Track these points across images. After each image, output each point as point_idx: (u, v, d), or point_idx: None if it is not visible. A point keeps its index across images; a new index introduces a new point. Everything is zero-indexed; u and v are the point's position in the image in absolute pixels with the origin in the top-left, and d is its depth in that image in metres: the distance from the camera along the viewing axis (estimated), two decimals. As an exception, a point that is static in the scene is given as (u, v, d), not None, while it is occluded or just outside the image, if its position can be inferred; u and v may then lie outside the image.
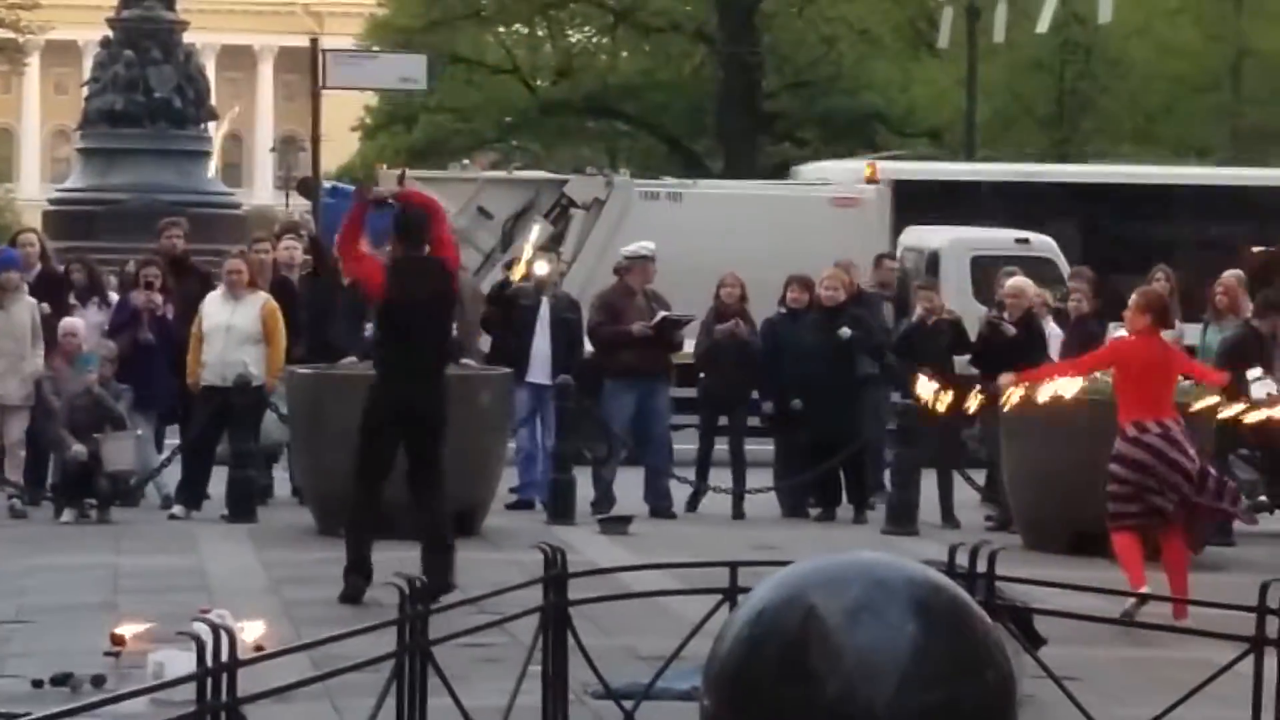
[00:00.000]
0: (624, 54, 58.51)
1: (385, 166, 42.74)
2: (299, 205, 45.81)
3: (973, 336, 20.95)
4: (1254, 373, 19.45)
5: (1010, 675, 6.33)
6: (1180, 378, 16.40)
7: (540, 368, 20.40)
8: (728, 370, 21.17)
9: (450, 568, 14.71)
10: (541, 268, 21.75)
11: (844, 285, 21.83)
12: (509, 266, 22.38)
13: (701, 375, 21.85)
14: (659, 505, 20.69)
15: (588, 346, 21.12)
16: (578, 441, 20.86)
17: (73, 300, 21.83)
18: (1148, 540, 15.09)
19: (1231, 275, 21.68)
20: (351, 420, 17.98)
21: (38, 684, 11.43)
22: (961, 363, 20.80)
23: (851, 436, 20.96)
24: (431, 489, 15.49)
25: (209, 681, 6.77)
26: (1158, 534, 15.17)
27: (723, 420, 21.62)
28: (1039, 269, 25.91)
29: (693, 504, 21.28)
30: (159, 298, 21.27)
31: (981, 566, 8.30)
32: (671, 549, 14.65)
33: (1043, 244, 33.12)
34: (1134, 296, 16.61)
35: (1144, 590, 13.60)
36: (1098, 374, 16.93)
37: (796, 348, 20.96)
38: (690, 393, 22.59)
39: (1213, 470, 15.66)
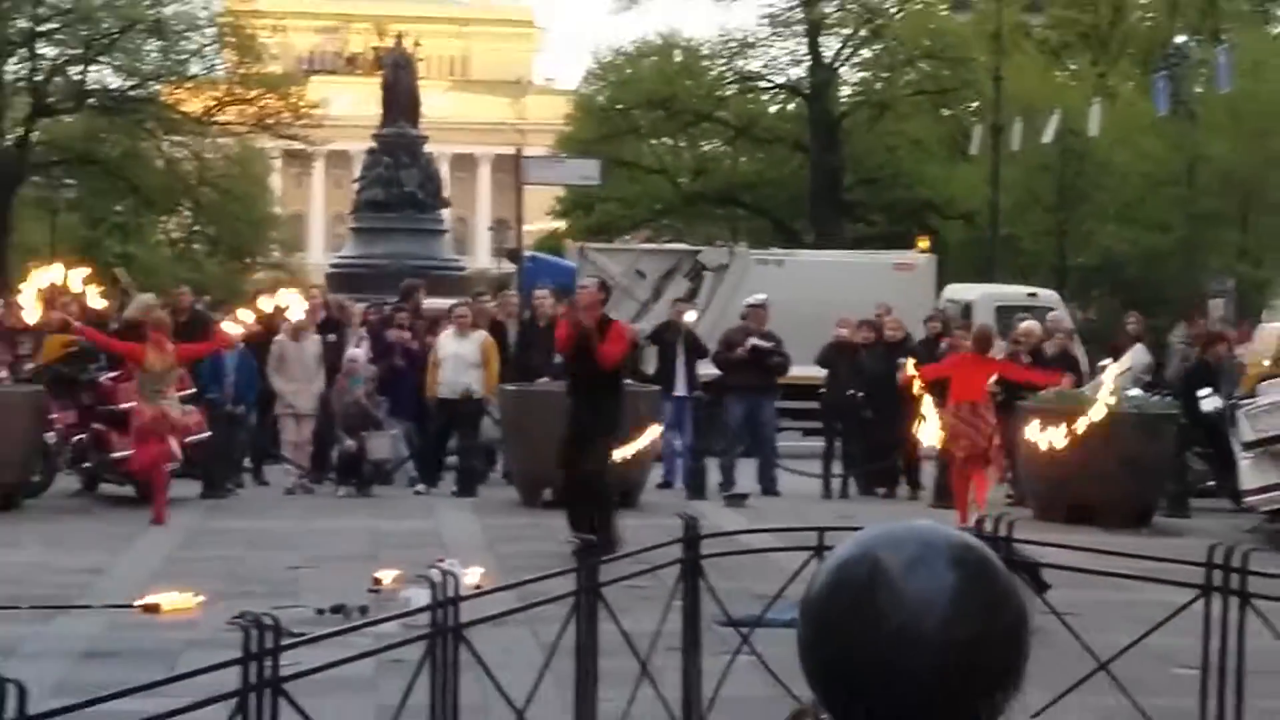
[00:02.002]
0: (742, 159, 58.32)
1: (570, 241, 42.74)
2: (507, 268, 45.69)
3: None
4: (1204, 391, 19.28)
5: (1025, 612, 6.27)
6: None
7: (681, 385, 20.39)
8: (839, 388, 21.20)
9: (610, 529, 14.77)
10: (689, 315, 21.88)
11: (901, 328, 21.83)
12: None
13: (823, 391, 21.80)
14: (767, 486, 20.61)
15: (713, 369, 21.09)
16: (707, 439, 20.85)
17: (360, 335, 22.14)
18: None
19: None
20: (546, 424, 18.12)
21: (320, 612, 11.63)
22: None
23: (907, 436, 20.85)
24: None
25: (440, 611, 6.79)
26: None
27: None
28: (1043, 314, 25.77)
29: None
30: (407, 334, 21.44)
31: (1002, 531, 8.23)
32: (776, 518, 14.60)
33: (1048, 296, 32.92)
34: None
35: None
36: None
37: (870, 372, 20.94)
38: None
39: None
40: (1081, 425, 16.65)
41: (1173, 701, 8.03)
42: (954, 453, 17.64)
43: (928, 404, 17.08)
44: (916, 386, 17.79)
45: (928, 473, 20.42)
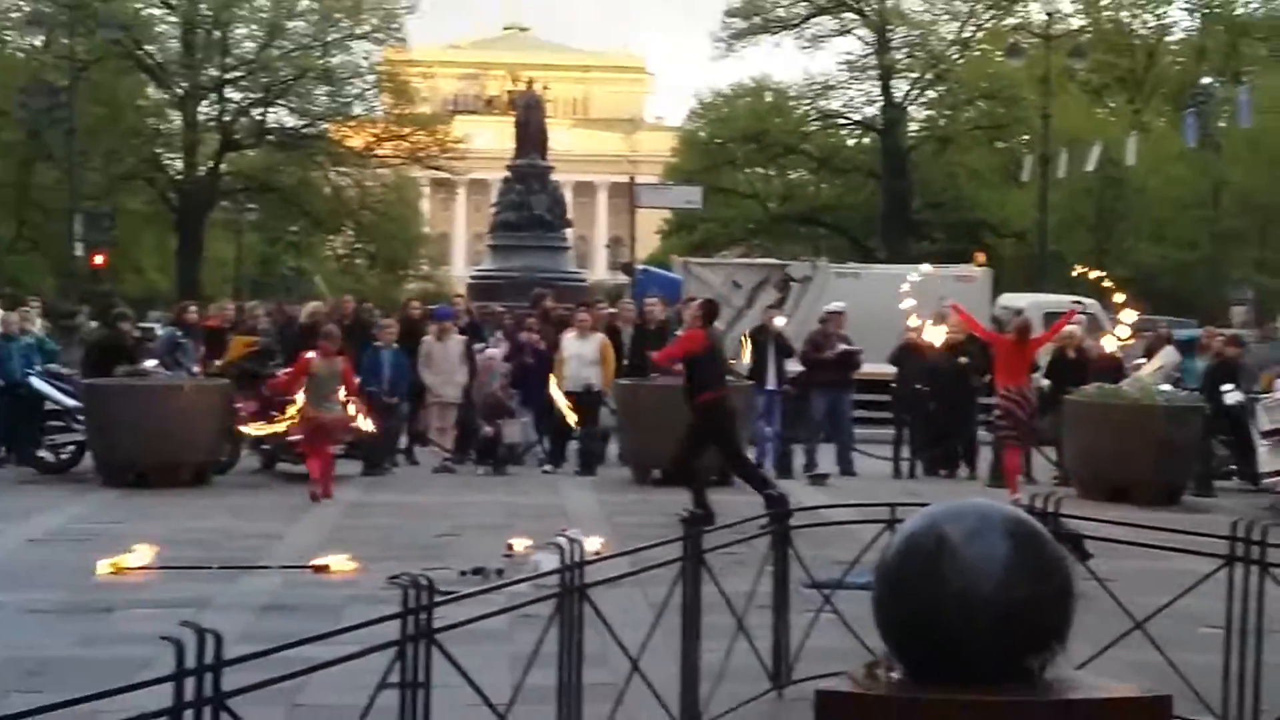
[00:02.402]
0: (823, 186, 58.15)
1: (675, 256, 42.70)
2: (622, 279, 45.75)
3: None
4: (1226, 386, 19.11)
5: (1071, 578, 6.25)
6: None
7: (771, 380, 20.31)
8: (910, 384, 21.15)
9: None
10: (778, 320, 21.83)
11: (962, 331, 21.69)
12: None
13: (893, 385, 21.79)
14: (845, 468, 20.52)
15: (799, 367, 20.98)
16: (793, 427, 20.79)
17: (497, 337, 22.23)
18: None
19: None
20: (655, 413, 18.18)
21: (463, 573, 11.65)
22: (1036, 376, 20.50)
23: (965, 424, 20.80)
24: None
25: (568, 574, 6.82)
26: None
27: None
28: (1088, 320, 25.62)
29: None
30: (536, 336, 21.49)
31: (1050, 508, 8.18)
32: (854, 495, 14.53)
33: (1091, 304, 32.66)
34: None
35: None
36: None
37: (935, 369, 20.86)
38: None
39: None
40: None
41: (1200, 657, 7.95)
42: (1002, 433, 17.72)
43: None
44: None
45: (984, 457, 20.27)
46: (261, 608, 10.86)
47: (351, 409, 17.69)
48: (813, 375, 20.64)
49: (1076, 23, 53.90)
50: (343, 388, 17.15)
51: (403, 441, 21.25)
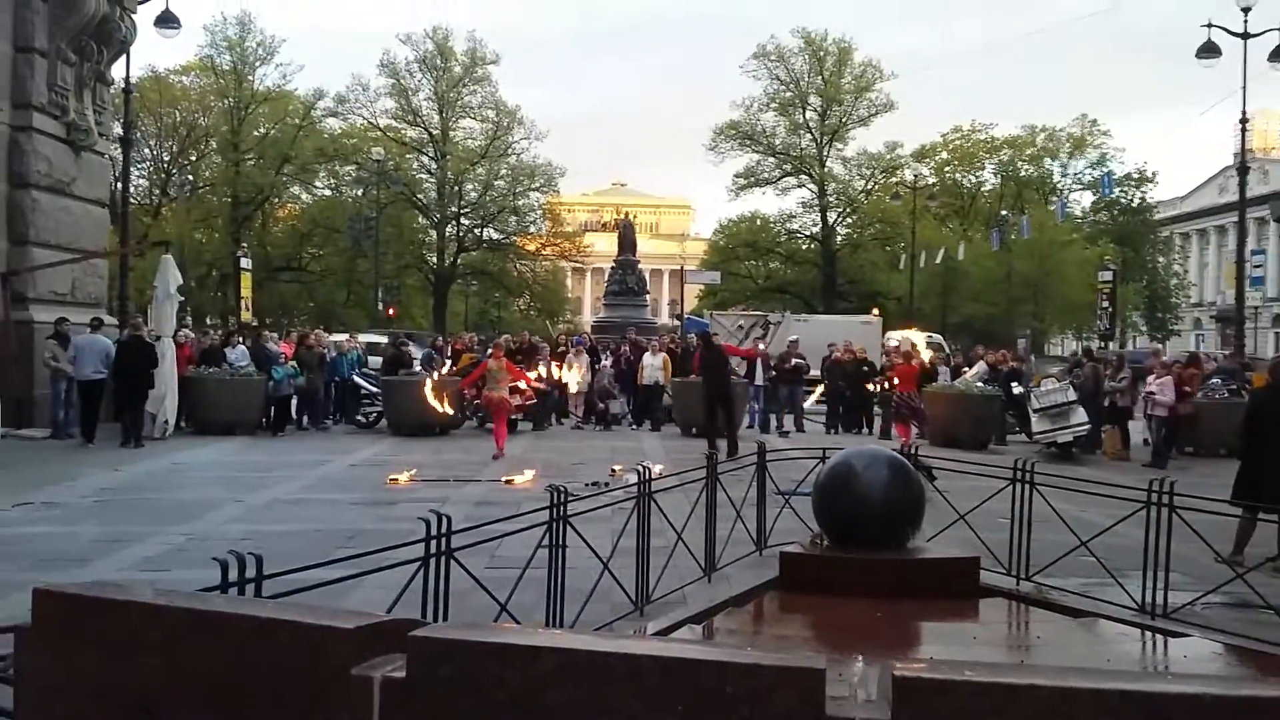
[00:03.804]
0: (788, 271, 57.47)
1: (706, 310, 42.54)
2: (675, 323, 45.62)
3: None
4: (1014, 384, 18.91)
5: (923, 490, 6.17)
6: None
7: (759, 378, 20.05)
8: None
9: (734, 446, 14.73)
10: (762, 346, 21.64)
11: (865, 352, 21.32)
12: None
13: (824, 383, 21.49)
14: (799, 428, 20.16)
15: (773, 371, 20.73)
16: (770, 405, 20.49)
17: (607, 354, 22.12)
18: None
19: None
20: (694, 398, 18.05)
21: (586, 485, 11.51)
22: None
23: (867, 405, 20.46)
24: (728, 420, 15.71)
25: (643, 485, 6.81)
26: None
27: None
28: (936, 347, 25.23)
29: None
30: (627, 353, 21.44)
31: (912, 452, 8.10)
32: (803, 443, 14.45)
33: (937, 337, 32.28)
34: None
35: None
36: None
37: (850, 373, 20.57)
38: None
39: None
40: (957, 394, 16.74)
41: (997, 536, 7.86)
42: (896, 411, 17.55)
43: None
44: (884, 386, 18.33)
45: (877, 424, 20.09)
46: (476, 503, 10.91)
47: (514, 392, 17.77)
48: (780, 376, 20.51)
49: (931, 180, 53.46)
50: (509, 379, 16.73)
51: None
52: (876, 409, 19.70)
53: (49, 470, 12.88)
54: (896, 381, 18.23)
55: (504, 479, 12.52)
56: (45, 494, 11.14)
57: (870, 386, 20.21)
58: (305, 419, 19.27)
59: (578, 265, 63.84)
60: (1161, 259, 58.65)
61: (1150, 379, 17.19)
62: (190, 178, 50.11)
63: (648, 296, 44.43)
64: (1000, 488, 7.90)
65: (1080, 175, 54.80)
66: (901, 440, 16.62)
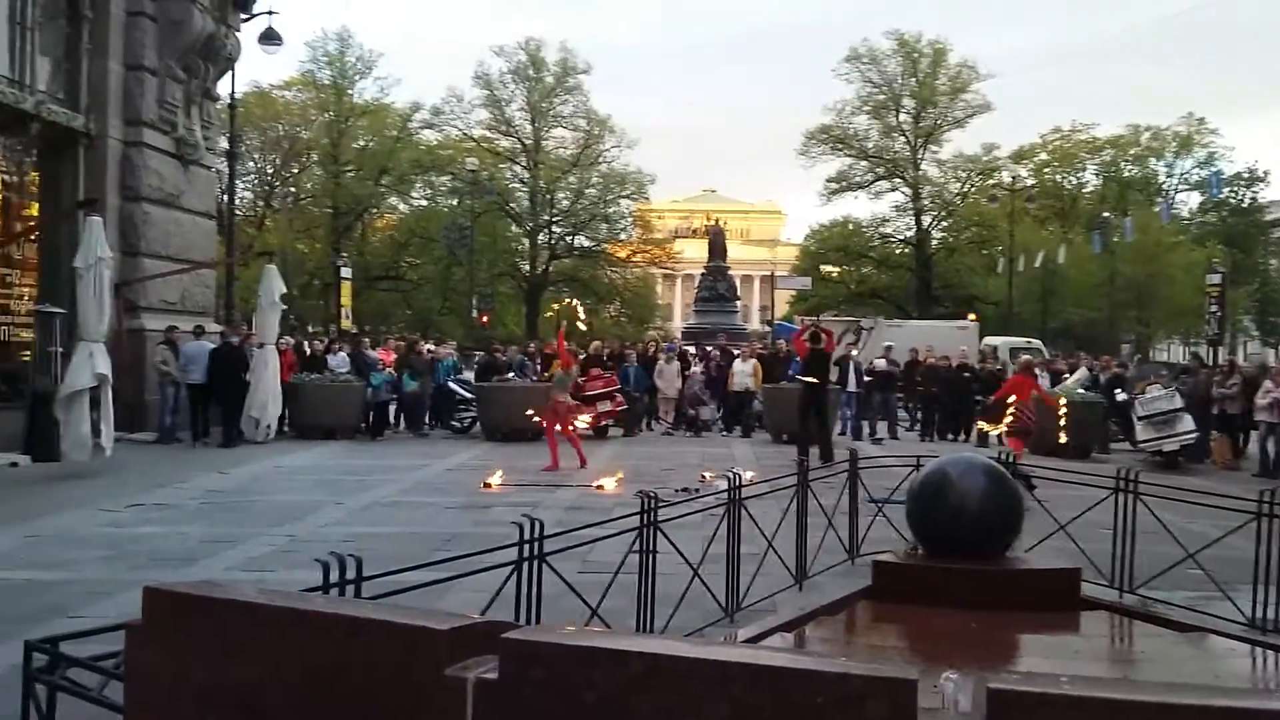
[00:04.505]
0: (881, 275, 56.59)
1: (796, 315, 42.21)
2: (766, 330, 45.36)
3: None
4: (1118, 390, 18.32)
5: (1021, 499, 6.02)
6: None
7: (851, 384, 19.78)
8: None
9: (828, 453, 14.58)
10: (854, 351, 21.39)
11: (965, 357, 20.91)
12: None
13: (919, 389, 21.08)
14: (892, 435, 19.96)
15: (867, 377, 20.47)
16: (863, 411, 20.26)
17: (696, 360, 22.14)
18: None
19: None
20: (784, 403, 17.93)
21: (676, 491, 11.36)
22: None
23: (966, 412, 20.06)
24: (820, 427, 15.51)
25: (734, 491, 6.78)
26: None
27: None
28: (1034, 352, 24.67)
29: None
30: (718, 359, 21.40)
31: (1010, 460, 7.93)
32: (897, 450, 14.21)
33: (1036, 343, 31.53)
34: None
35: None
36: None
37: (948, 379, 20.21)
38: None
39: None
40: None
41: (1099, 547, 7.64)
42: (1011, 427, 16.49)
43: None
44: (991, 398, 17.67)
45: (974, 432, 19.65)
46: (567, 508, 10.99)
47: (603, 400, 17.77)
48: (873, 382, 20.24)
49: (1030, 181, 52.21)
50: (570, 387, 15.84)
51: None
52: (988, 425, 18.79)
53: (158, 473, 13.37)
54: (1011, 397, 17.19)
55: (595, 484, 12.59)
56: (155, 496, 11.57)
57: (977, 396, 19.72)
58: (401, 423, 19.66)
59: (668, 272, 63.82)
60: (1274, 261, 56.36)
61: (1267, 385, 16.52)
62: (293, 189, 51.61)
63: (738, 302, 44.34)
64: (1103, 497, 7.68)
65: (1187, 175, 53.04)
66: (1014, 453, 15.74)
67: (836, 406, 18.81)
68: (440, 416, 20.02)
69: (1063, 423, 16.31)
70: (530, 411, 16.13)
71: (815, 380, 15.58)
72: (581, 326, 18.42)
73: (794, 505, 7.60)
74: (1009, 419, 16.06)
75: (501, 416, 17.94)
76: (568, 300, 19.40)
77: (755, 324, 75.54)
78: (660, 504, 5.93)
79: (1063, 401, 17.15)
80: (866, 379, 20.32)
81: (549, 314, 55.61)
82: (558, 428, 14.64)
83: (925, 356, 20.90)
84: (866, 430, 19.92)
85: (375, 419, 18.69)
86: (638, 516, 5.78)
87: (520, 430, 17.56)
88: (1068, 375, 20.11)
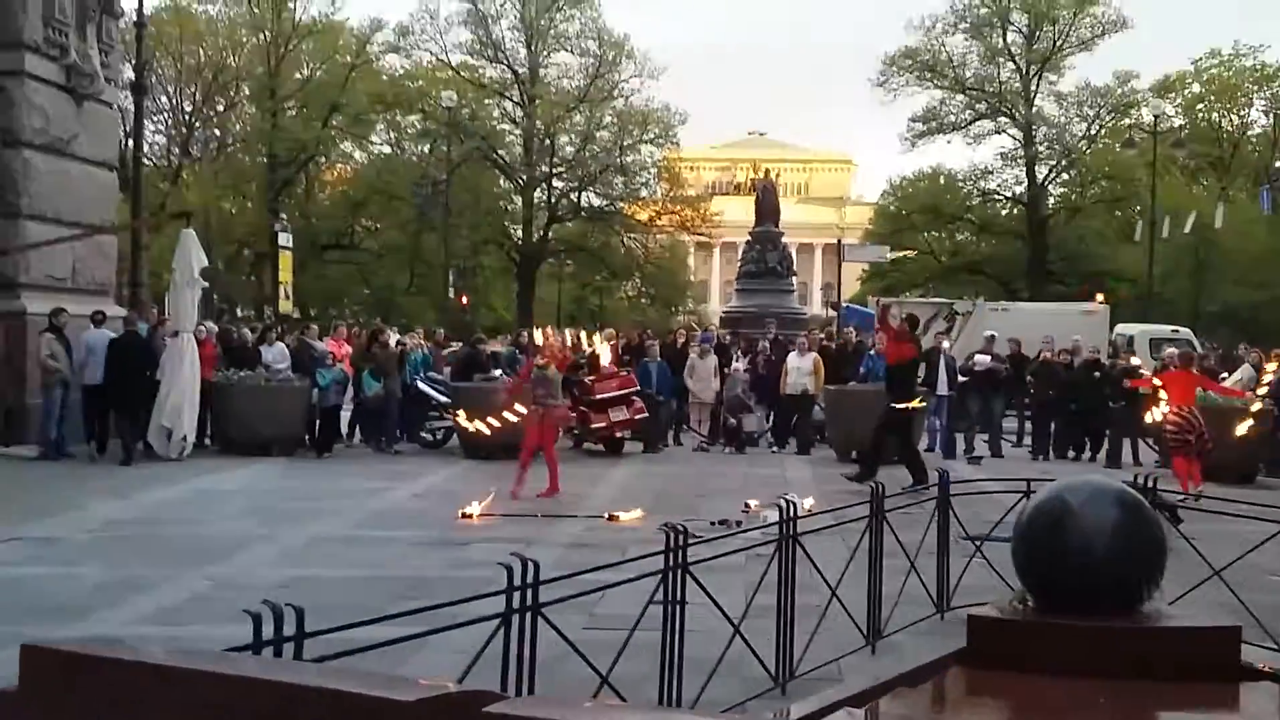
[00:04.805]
0: (982, 244, 56.65)
1: (870, 296, 42.21)
2: (831, 314, 45.31)
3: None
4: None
5: (1164, 537, 5.98)
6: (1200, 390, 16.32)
7: (942, 386, 19.80)
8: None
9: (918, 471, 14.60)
10: (945, 344, 21.37)
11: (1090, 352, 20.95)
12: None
13: (1032, 391, 21.15)
14: (995, 451, 19.90)
15: (961, 376, 20.48)
16: (956, 420, 20.29)
17: (738, 354, 22.23)
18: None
19: None
20: (854, 411, 17.93)
21: (712, 523, 11.67)
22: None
23: (1100, 421, 20.06)
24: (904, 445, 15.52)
25: (786, 525, 6.79)
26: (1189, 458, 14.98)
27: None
28: (1181, 344, 24.72)
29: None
30: (768, 354, 21.45)
31: (1149, 484, 7.89)
32: (1001, 472, 14.18)
33: (1185, 332, 31.56)
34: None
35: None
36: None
37: (1070, 379, 20.28)
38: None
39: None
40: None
41: (1267, 599, 7.58)
42: (1169, 438, 15.79)
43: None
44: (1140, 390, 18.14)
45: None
46: (569, 545, 11.05)
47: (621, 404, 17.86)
48: (970, 382, 20.23)
49: (1178, 121, 51.88)
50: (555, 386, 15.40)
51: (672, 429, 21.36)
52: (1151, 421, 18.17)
53: (43, 498, 13.44)
54: (1164, 397, 16.62)
55: (607, 515, 12.63)
56: (40, 528, 11.62)
57: (1109, 401, 19.56)
58: (357, 435, 19.77)
59: (703, 239, 63.85)
60: None
61: None
62: (217, 133, 51.88)
63: (794, 279, 44.21)
64: (1270, 534, 7.63)
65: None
66: (1181, 480, 14.51)
67: (922, 415, 18.77)
68: (407, 427, 20.15)
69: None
70: (509, 414, 15.92)
71: (903, 405, 15.40)
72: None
73: (866, 543, 7.59)
74: (1169, 428, 15.25)
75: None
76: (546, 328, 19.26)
77: (816, 307, 75.60)
78: (691, 540, 5.93)
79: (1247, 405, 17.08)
80: (961, 379, 20.23)
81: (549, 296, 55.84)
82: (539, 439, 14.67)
83: (1041, 351, 20.83)
84: (961, 446, 19.85)
85: (323, 429, 18.82)
86: (661, 556, 5.78)
87: (511, 445, 17.59)
88: (1225, 375, 19.94)
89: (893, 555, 7.86)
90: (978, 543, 8.49)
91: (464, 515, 12.54)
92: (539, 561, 4.91)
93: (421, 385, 19.95)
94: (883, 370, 16.82)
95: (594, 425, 18.85)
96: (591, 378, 18.98)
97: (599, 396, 18.84)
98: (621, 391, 19.11)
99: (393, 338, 21.57)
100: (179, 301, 17.54)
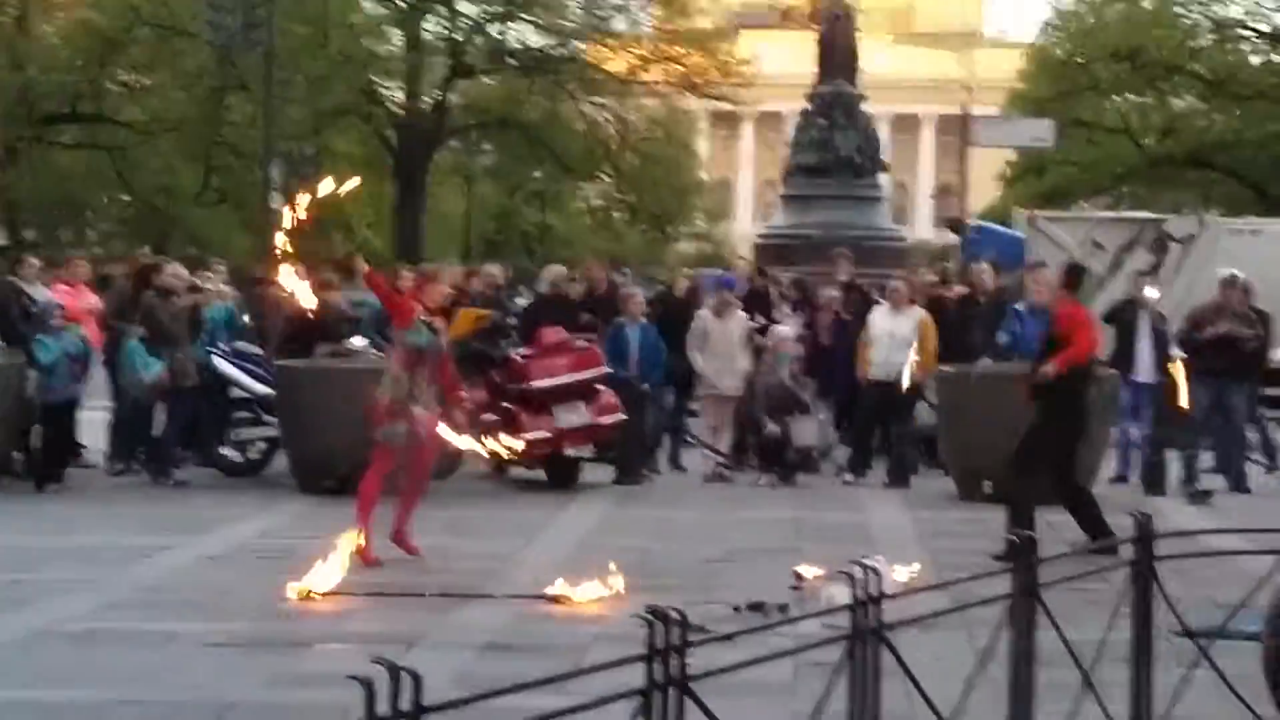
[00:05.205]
0: (1217, 117, 56.75)
1: (1019, 209, 42.32)
2: (949, 239, 45.38)
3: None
4: None
5: None
6: None
7: (1143, 369, 19.93)
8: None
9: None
10: (1152, 292, 21.40)
11: None
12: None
13: None
14: (1236, 482, 20.07)
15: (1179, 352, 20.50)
16: (1168, 429, 20.40)
17: (785, 311, 22.27)
18: None
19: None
20: (986, 409, 17.96)
21: (737, 609, 11.73)
22: None
23: None
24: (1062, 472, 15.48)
25: (862, 610, 6.80)
26: None
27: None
28: None
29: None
30: (837, 311, 21.49)
31: None
32: (1244, 518, 14.24)
33: None
34: None
35: None
36: None
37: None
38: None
39: None
40: None
41: None
42: None
43: None
44: None
45: None
46: (483, 646, 11.05)
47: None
48: (1195, 362, 20.22)
49: None
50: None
51: (665, 442, 21.39)
52: None
53: None
54: None
55: (548, 592, 12.60)
56: None
57: None
58: (106, 450, 19.82)
59: (725, 107, 63.71)
60: None
61: None
62: None
63: (883, 177, 44.29)
64: None
65: None
66: None
67: (1102, 421, 18.81)
68: (196, 436, 20.14)
69: None
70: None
71: (1069, 391, 15.42)
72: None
73: (1006, 641, 7.61)
74: None
75: (336, 436, 18.00)
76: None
77: (924, 228, 75.74)
78: (696, 637, 5.93)
79: None
80: (1178, 356, 20.28)
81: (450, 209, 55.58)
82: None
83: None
84: (1176, 470, 19.98)
85: (49, 443, 18.84)
86: (641, 666, 5.79)
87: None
88: None
89: (1054, 664, 7.86)
90: (1203, 642, 8.50)
91: (301, 594, 12.52)
92: (420, 675, 4.90)
93: (220, 364, 19.88)
94: (1037, 338, 16.79)
95: (527, 436, 18.82)
96: (523, 351, 18.96)
97: (537, 385, 18.80)
98: (577, 377, 19.09)
99: (178, 277, 21.45)
100: None
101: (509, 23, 53.19)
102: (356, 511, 14.22)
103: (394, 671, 4.85)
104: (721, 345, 20.73)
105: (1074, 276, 16.26)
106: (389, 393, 14.41)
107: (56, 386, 18.78)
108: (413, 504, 14.62)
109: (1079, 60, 55.72)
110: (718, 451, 20.85)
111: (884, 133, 46.28)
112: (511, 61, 53.31)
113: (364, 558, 13.88)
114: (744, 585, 12.82)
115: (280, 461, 19.36)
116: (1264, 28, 54.87)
